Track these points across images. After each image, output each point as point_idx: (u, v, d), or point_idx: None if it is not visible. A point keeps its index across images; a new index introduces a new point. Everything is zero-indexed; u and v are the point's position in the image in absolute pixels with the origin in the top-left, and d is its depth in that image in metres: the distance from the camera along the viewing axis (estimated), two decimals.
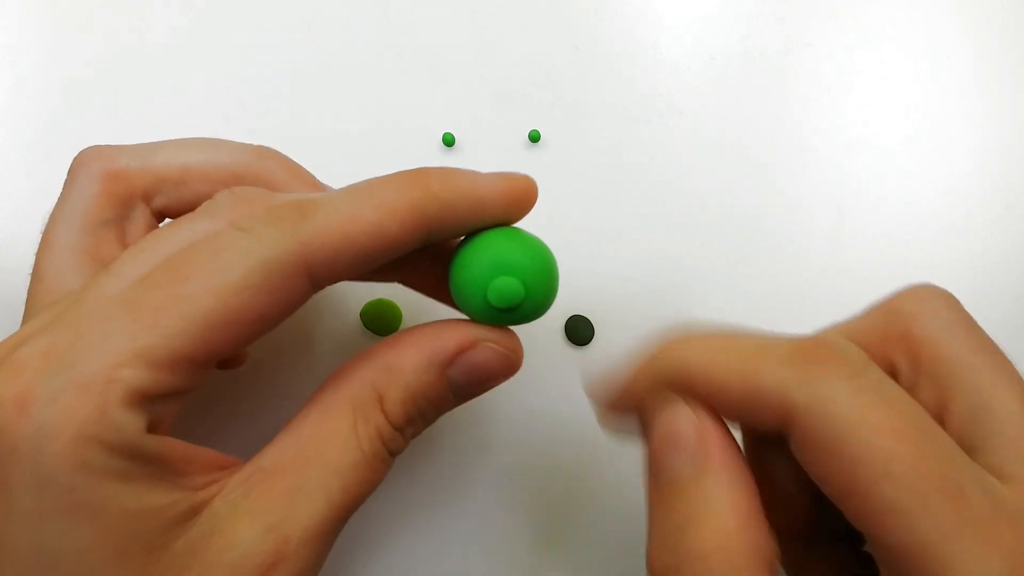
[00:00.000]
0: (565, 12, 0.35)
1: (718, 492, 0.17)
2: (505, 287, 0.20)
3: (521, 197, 0.21)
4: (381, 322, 0.31)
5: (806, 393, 0.16)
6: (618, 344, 0.31)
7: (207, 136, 0.25)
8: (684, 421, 0.18)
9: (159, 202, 0.24)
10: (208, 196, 0.23)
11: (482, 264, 0.21)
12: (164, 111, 0.34)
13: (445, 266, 0.22)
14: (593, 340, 0.31)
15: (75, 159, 0.24)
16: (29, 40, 0.35)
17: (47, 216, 0.23)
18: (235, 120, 0.34)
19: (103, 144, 0.24)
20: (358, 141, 0.34)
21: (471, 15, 0.35)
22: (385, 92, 0.34)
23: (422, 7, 0.35)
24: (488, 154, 0.34)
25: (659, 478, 0.18)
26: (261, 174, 0.24)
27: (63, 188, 0.24)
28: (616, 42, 0.35)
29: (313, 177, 0.25)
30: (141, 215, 0.24)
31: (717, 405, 0.18)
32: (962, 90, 0.35)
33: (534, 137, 0.33)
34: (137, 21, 0.35)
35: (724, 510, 0.17)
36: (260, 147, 0.25)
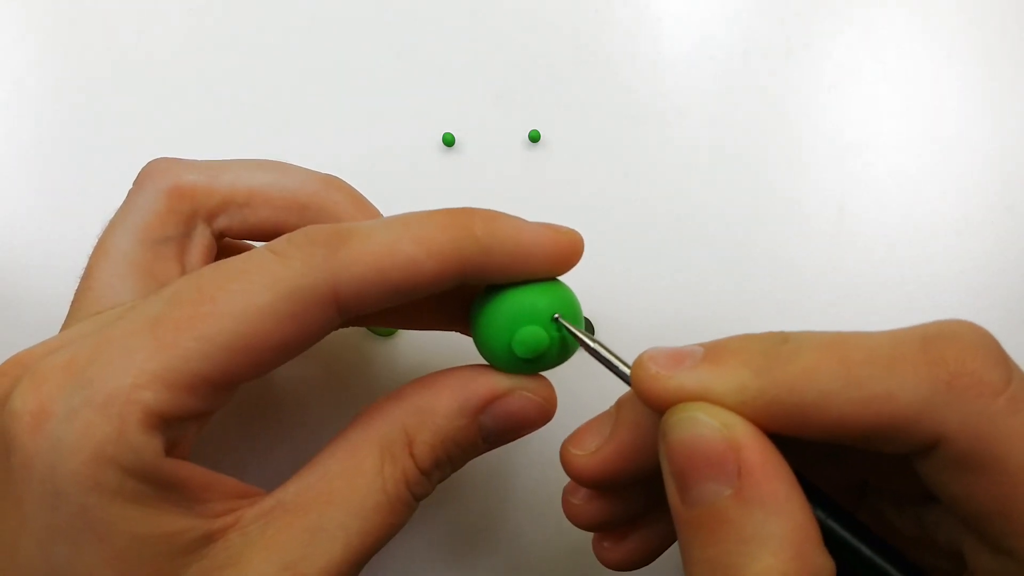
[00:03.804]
0: (565, 12, 0.35)
1: (769, 526, 0.15)
2: (530, 337, 0.20)
3: (566, 252, 0.21)
4: None
5: (957, 416, 0.15)
6: (618, 344, 0.31)
7: (275, 160, 0.24)
8: (711, 433, 0.16)
9: (222, 222, 0.24)
10: (272, 221, 0.23)
11: (505, 314, 0.20)
12: (163, 111, 0.34)
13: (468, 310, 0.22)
14: None
15: (143, 170, 0.24)
16: (29, 41, 0.35)
17: (106, 221, 0.23)
18: (235, 121, 0.34)
19: (171, 157, 0.24)
20: (359, 141, 0.34)
21: (471, 15, 0.35)
22: (385, 92, 0.34)
23: (422, 7, 0.35)
24: (488, 154, 0.34)
25: (691, 503, 0.16)
26: (326, 204, 0.24)
27: (127, 196, 0.23)
28: (616, 42, 0.35)
29: (377, 210, 0.25)
30: (201, 234, 0.23)
31: (826, 435, 0.16)
32: (962, 90, 0.35)
33: (534, 137, 0.33)
34: (137, 21, 0.35)
35: (778, 547, 0.15)
36: (328, 176, 0.24)
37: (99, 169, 0.33)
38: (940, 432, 0.15)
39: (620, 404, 0.21)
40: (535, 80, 0.35)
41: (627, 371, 0.19)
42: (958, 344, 0.16)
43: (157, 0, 0.36)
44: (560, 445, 0.21)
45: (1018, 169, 0.34)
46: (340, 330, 0.31)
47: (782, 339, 0.17)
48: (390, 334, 0.31)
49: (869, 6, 0.36)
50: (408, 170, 0.33)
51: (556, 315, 0.20)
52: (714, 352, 0.17)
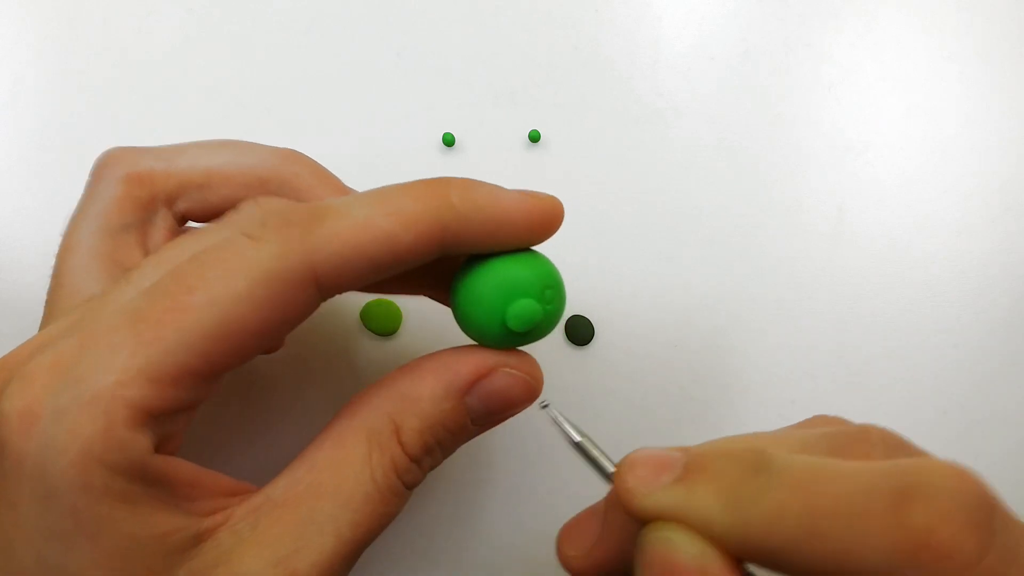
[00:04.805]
0: (565, 12, 0.35)
1: None
2: (525, 310, 0.20)
3: (546, 219, 0.20)
4: (381, 322, 0.31)
5: None
6: (618, 344, 0.31)
7: (232, 138, 0.24)
8: (684, 559, 0.16)
9: (182, 206, 0.23)
10: (233, 200, 0.23)
11: (497, 287, 0.20)
12: (163, 111, 0.34)
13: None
14: (593, 340, 0.31)
15: (97, 161, 0.23)
16: (29, 38, 0.35)
17: (68, 218, 0.23)
18: (235, 120, 0.34)
19: (126, 146, 0.24)
20: (358, 141, 0.34)
21: (471, 15, 0.35)
22: (385, 92, 0.34)
23: (422, 7, 0.35)
24: (488, 154, 0.34)
25: None
26: (287, 178, 0.23)
27: (85, 190, 0.23)
28: (616, 42, 0.35)
29: (340, 182, 0.24)
30: (163, 219, 0.23)
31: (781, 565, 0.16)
32: (962, 90, 0.35)
33: (534, 137, 0.33)
34: (137, 22, 0.35)
35: None
36: (287, 150, 0.24)
37: None
38: None
39: (608, 504, 0.21)
40: (535, 80, 0.35)
41: (611, 469, 0.19)
42: (932, 505, 0.14)
43: (157, 1, 0.36)
44: (558, 532, 0.21)
45: (1018, 169, 0.34)
46: (340, 330, 0.31)
47: (759, 465, 0.16)
48: (390, 334, 0.31)
49: (869, 6, 0.36)
50: (408, 170, 0.33)
51: (545, 404, 0.20)
52: (691, 471, 0.17)
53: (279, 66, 0.35)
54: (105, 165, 0.23)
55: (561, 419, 0.20)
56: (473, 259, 0.21)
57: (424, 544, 0.29)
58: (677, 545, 0.16)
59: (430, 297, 0.25)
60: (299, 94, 0.34)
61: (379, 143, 0.34)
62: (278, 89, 0.34)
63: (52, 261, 0.31)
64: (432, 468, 0.21)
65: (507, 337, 0.20)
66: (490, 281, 0.20)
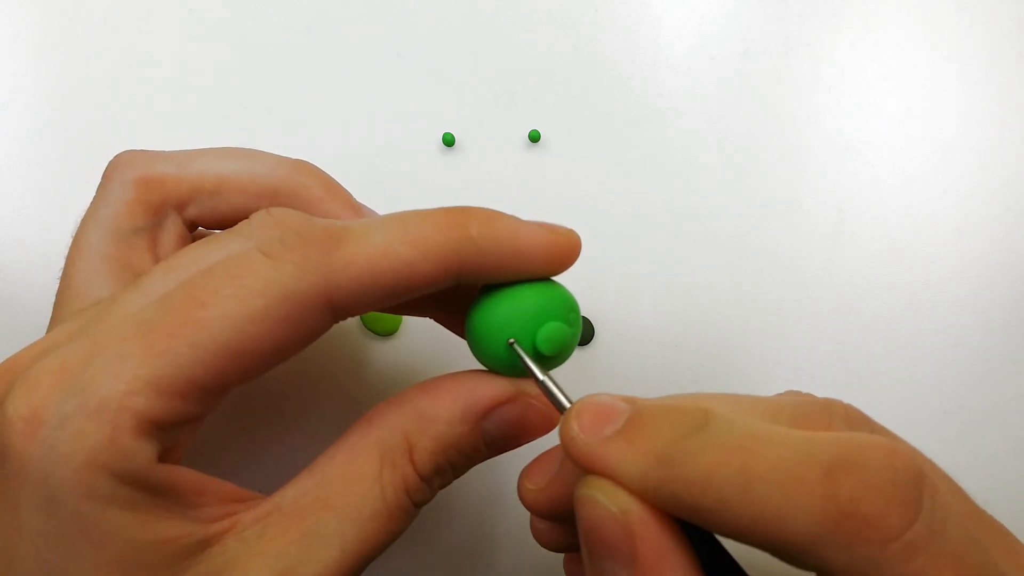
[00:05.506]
0: (565, 12, 0.35)
1: None
2: (556, 332, 0.20)
3: (564, 253, 0.20)
4: (381, 322, 0.31)
5: (844, 558, 0.15)
6: (618, 344, 0.31)
7: (244, 147, 0.24)
8: (608, 517, 0.16)
9: (192, 211, 0.23)
10: (243, 208, 0.23)
11: (525, 311, 0.20)
12: (163, 111, 0.34)
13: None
14: (593, 340, 0.31)
15: (110, 163, 0.23)
16: (29, 38, 0.35)
17: (78, 219, 0.23)
18: (235, 120, 0.34)
19: (138, 149, 0.24)
20: (358, 141, 0.34)
21: (470, 15, 0.35)
22: (385, 92, 0.34)
23: (422, 7, 0.35)
24: (488, 154, 0.34)
25: (595, 572, 0.16)
26: (298, 189, 0.23)
27: (96, 192, 0.23)
28: (616, 42, 0.35)
29: (350, 195, 0.24)
30: (173, 224, 0.23)
31: (725, 535, 0.16)
32: (962, 90, 0.35)
33: (534, 137, 0.33)
34: (137, 21, 0.35)
35: None
36: (299, 161, 0.24)
37: (99, 169, 0.33)
38: (829, 568, 0.15)
39: None
40: (535, 80, 0.35)
41: (568, 406, 0.19)
42: (859, 479, 0.15)
43: (157, 0, 0.36)
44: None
45: (1018, 169, 0.34)
46: (340, 331, 0.31)
47: (700, 423, 0.16)
48: (390, 334, 0.31)
49: (869, 6, 0.36)
50: (408, 170, 0.33)
51: (511, 340, 0.20)
52: (631, 426, 0.17)
53: (279, 66, 0.35)
54: (117, 167, 0.23)
55: (528, 359, 0.20)
56: (491, 287, 0.21)
57: (429, 558, 0.29)
58: (601, 504, 0.16)
59: (436, 320, 0.25)
60: (299, 94, 0.34)
61: (379, 143, 0.34)
62: (278, 89, 0.34)
63: (52, 261, 0.31)
64: (442, 488, 0.21)
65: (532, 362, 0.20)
66: (518, 306, 0.20)
